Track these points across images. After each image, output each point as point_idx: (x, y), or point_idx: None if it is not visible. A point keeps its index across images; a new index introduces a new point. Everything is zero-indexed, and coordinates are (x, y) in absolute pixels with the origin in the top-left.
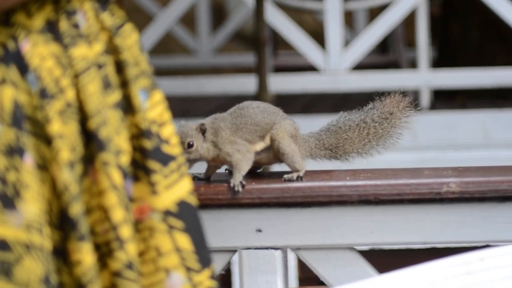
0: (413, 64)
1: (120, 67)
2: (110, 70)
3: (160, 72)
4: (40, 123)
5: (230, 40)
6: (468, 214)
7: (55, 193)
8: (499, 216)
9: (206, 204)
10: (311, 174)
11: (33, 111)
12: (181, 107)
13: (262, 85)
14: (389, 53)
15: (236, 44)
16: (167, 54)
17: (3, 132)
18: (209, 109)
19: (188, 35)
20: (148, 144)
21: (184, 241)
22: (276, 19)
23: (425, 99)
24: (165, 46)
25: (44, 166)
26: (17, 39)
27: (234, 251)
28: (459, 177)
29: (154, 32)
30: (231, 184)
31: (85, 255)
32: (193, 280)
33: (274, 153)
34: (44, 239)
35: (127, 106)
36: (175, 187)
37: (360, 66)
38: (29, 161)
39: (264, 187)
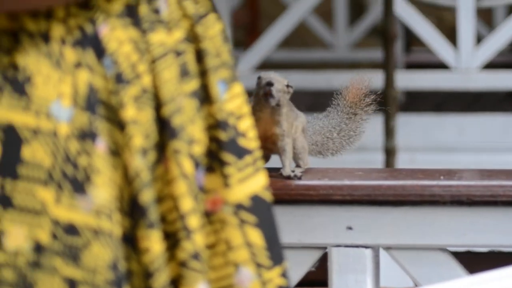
0: None
1: (200, 56)
2: (189, 58)
3: (297, 65)
4: (114, 108)
5: (368, 35)
6: None
7: (127, 179)
8: None
9: (297, 200)
10: (405, 172)
11: (107, 96)
12: (309, 101)
13: (389, 81)
14: None
15: (374, 39)
16: (304, 48)
17: (76, 116)
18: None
19: (326, 29)
20: (224, 135)
21: (256, 236)
22: (407, 14)
23: None
24: (303, 39)
25: (117, 152)
26: (95, 23)
27: (324, 248)
28: None
29: (287, 23)
30: (287, 174)
31: (153, 243)
32: (262, 277)
33: None
34: (114, 225)
35: (205, 96)
36: (249, 181)
37: (494, 65)
38: (101, 146)
39: (356, 184)
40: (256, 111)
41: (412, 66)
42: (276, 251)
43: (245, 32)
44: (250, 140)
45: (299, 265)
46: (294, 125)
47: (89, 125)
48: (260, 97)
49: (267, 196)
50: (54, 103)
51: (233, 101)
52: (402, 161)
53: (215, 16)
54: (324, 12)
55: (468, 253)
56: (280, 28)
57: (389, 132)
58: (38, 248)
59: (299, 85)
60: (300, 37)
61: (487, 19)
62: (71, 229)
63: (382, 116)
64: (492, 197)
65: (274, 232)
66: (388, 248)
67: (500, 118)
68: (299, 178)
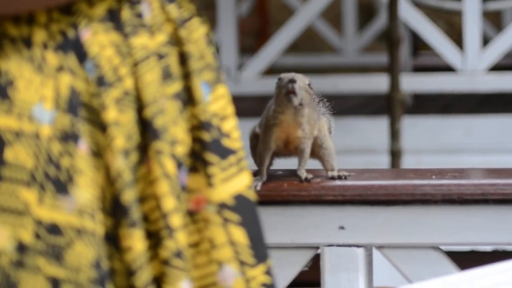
0: None
1: (183, 59)
2: (172, 61)
3: (305, 70)
4: (96, 110)
5: (377, 39)
6: None
7: (109, 179)
8: None
9: (289, 201)
10: (397, 172)
11: (89, 99)
12: None
13: (394, 84)
14: None
15: (383, 43)
16: (313, 53)
17: (58, 118)
18: (344, 108)
19: (334, 34)
20: (207, 136)
21: (239, 234)
22: (413, 18)
23: None
24: (312, 44)
25: (99, 153)
26: (77, 27)
27: (316, 247)
28: None
29: (294, 28)
30: (303, 177)
31: (136, 242)
32: (246, 275)
33: (314, 146)
34: (97, 225)
35: (188, 98)
36: (232, 181)
37: (501, 67)
38: (83, 147)
39: (347, 184)
40: (278, 114)
41: (420, 69)
42: (259, 249)
43: (254, 39)
44: (234, 140)
45: (292, 265)
46: (317, 125)
47: (71, 127)
48: (282, 98)
49: (251, 195)
50: (36, 106)
51: (217, 103)
52: (409, 163)
53: (199, 19)
54: (333, 17)
55: (472, 252)
56: (287, 33)
57: (394, 134)
58: (21, 248)
59: None
60: (309, 42)
61: (495, 21)
62: (54, 229)
63: (388, 118)
64: (483, 195)
65: (258, 231)
66: (380, 247)
67: (507, 120)
68: (345, 178)
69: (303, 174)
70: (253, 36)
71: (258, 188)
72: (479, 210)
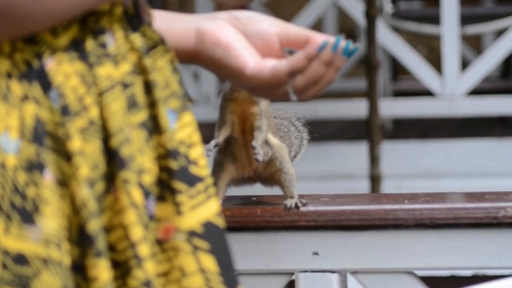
0: None
1: (149, 87)
2: (137, 90)
3: None
4: (61, 139)
5: (358, 64)
6: None
7: (75, 209)
8: None
9: (263, 227)
10: (370, 197)
11: (54, 128)
12: None
13: (372, 109)
14: (511, 78)
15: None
16: None
17: (23, 148)
18: (325, 133)
19: None
20: (175, 164)
21: (209, 262)
22: (391, 43)
23: None
24: None
25: (65, 183)
26: (42, 57)
27: (291, 274)
28: None
29: None
30: (258, 151)
31: (101, 271)
32: None
33: (273, 171)
34: (63, 255)
35: (154, 126)
36: (201, 208)
37: (481, 91)
38: (49, 177)
39: (320, 210)
40: (233, 92)
41: (399, 94)
42: (230, 276)
43: None
44: (202, 167)
45: None
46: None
47: (36, 156)
48: None
49: (220, 222)
50: (1, 135)
51: (183, 130)
52: (389, 188)
53: (164, 47)
54: None
55: (451, 278)
56: None
57: (374, 159)
58: None
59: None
60: None
61: (476, 45)
62: (21, 259)
63: (367, 144)
64: (455, 219)
65: (228, 258)
66: (354, 273)
67: (487, 144)
68: (304, 205)
69: (258, 147)
70: None
71: (212, 145)
72: (451, 234)
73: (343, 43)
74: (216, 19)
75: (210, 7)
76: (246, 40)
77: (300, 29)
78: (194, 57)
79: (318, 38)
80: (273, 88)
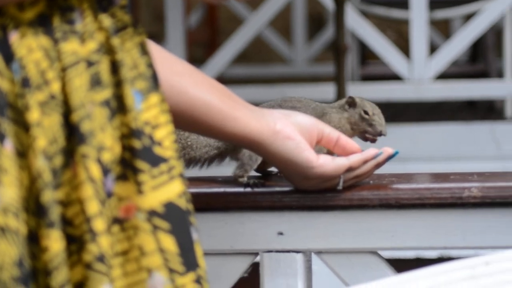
0: (500, 74)
1: (115, 67)
2: (102, 68)
3: (256, 80)
4: (20, 110)
5: (326, 49)
6: (490, 219)
7: (31, 180)
8: None
9: (228, 207)
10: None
11: (14, 99)
12: None
13: (340, 94)
14: (479, 63)
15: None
16: (264, 63)
17: None
18: None
19: (284, 44)
20: (138, 144)
21: (169, 242)
22: (360, 27)
23: (510, 109)
24: (263, 55)
25: (24, 154)
26: (6, 29)
27: (256, 254)
28: (482, 182)
29: (242, 38)
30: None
31: (52, 242)
32: (175, 282)
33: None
34: (20, 224)
35: (119, 106)
36: (163, 188)
37: (449, 75)
38: (9, 146)
39: (286, 190)
40: None
41: (368, 78)
42: (189, 257)
43: (204, 49)
44: (166, 149)
45: (232, 271)
46: None
47: None
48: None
49: (182, 203)
50: None
51: (149, 111)
52: None
53: (134, 30)
54: (283, 27)
55: (417, 260)
56: (236, 44)
57: None
58: None
59: (255, 98)
60: (259, 52)
61: (444, 30)
62: None
63: None
64: (420, 199)
65: (188, 239)
66: (319, 253)
67: (454, 127)
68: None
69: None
70: (203, 47)
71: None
72: (416, 214)
73: (391, 151)
74: (278, 114)
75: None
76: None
77: (333, 128)
78: (256, 149)
79: (347, 141)
80: (327, 181)
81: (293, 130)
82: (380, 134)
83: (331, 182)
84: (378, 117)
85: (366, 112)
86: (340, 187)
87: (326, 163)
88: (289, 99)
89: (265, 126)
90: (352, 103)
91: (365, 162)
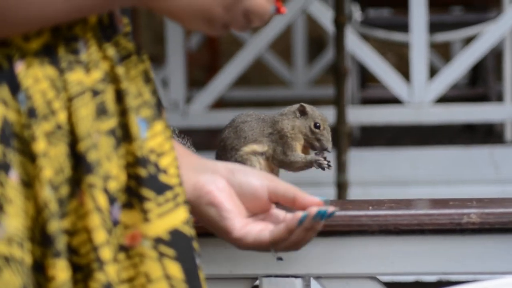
0: (499, 97)
1: (120, 96)
2: (108, 97)
3: (256, 103)
4: (26, 141)
5: (326, 72)
6: (489, 245)
7: (37, 210)
8: None
9: None
10: (335, 203)
11: (20, 129)
12: None
13: (340, 117)
14: (479, 86)
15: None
16: (264, 86)
17: None
18: None
19: (284, 67)
20: (144, 172)
21: (175, 269)
22: (360, 50)
23: (510, 133)
24: (263, 77)
25: (29, 184)
26: (12, 59)
27: (255, 278)
28: (480, 208)
29: (243, 61)
30: None
31: (59, 271)
32: None
33: None
34: (25, 254)
35: (125, 135)
36: (168, 216)
37: (449, 99)
38: (14, 177)
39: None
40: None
41: (368, 101)
42: (195, 284)
43: (204, 72)
44: (171, 176)
45: None
46: None
47: (2, 157)
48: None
49: (187, 230)
50: None
51: (154, 139)
52: (356, 195)
53: (138, 57)
54: (283, 50)
55: (416, 283)
56: (236, 66)
57: (341, 166)
58: None
59: None
60: (259, 75)
61: (445, 53)
62: None
63: (335, 150)
64: (419, 225)
65: (193, 265)
66: (318, 277)
67: (453, 151)
68: None
69: None
70: (203, 69)
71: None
72: (415, 240)
73: (322, 211)
74: (215, 175)
75: None
76: (237, 196)
77: (289, 186)
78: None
79: (304, 199)
80: (257, 250)
81: (222, 195)
82: (326, 150)
83: (262, 251)
84: (326, 131)
85: (317, 126)
86: (275, 256)
87: (246, 236)
88: (239, 116)
89: (190, 187)
90: (303, 112)
91: (290, 232)
